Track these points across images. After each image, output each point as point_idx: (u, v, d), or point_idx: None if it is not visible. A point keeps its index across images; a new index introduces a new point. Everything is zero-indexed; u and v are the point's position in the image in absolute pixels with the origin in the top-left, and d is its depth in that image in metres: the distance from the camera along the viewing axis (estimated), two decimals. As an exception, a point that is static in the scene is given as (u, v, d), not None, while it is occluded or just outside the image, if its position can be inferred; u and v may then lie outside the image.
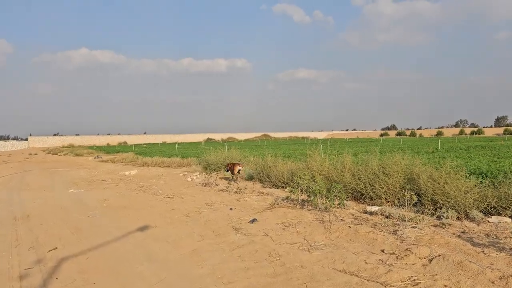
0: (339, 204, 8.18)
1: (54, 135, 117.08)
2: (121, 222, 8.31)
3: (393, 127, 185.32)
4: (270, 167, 14.01)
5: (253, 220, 7.80)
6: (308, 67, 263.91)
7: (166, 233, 7.24)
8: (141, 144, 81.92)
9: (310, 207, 8.68)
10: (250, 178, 15.07)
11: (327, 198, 8.22)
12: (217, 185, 13.38)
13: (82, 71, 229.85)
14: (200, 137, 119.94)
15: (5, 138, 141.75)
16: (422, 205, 8.21)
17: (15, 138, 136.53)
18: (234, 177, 14.60)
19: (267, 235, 6.76)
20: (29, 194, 12.87)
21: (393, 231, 6.56)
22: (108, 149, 56.43)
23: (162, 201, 10.76)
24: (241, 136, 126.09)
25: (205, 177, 14.72)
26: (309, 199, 8.90)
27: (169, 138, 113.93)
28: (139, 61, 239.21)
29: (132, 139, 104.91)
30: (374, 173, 9.68)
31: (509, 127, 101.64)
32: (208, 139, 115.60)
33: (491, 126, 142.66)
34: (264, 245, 6.20)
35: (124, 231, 7.43)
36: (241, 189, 11.43)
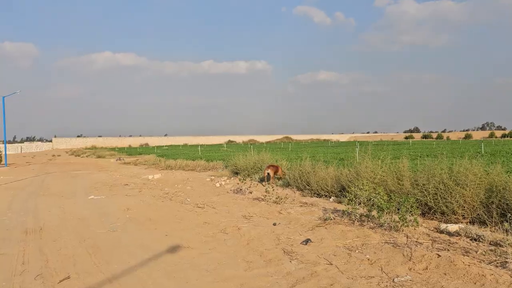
0: (413, 221, 6.66)
1: (78, 136, 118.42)
2: (146, 239, 7.01)
3: (416, 130, 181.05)
4: (309, 173, 12.57)
5: (307, 241, 6.38)
6: (329, 69, 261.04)
7: (203, 256, 5.89)
8: (163, 146, 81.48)
9: (372, 224, 7.20)
10: (286, 184, 13.65)
11: (398, 213, 6.73)
12: (251, 192, 12.01)
13: (105, 73, 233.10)
14: (221, 139, 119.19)
15: (31, 140, 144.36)
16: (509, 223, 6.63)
17: (40, 140, 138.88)
18: (270, 182, 13.23)
19: (331, 263, 5.32)
20: (46, 201, 11.77)
21: (500, 262, 5.03)
22: (130, 151, 55.95)
23: (191, 212, 9.45)
24: (262, 139, 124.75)
25: (237, 183, 13.38)
26: (369, 214, 7.42)
27: (190, 140, 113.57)
28: (161, 63, 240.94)
29: (153, 141, 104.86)
30: (443, 182, 8.13)
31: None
32: (229, 141, 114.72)
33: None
34: (331, 279, 4.77)
35: (151, 253, 6.11)
36: (281, 198, 10.01)
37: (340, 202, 10.16)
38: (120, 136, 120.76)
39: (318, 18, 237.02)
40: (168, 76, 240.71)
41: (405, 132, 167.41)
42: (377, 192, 7.43)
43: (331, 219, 7.64)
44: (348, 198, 7.59)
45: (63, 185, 16.74)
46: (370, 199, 7.47)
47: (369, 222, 7.31)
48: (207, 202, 10.73)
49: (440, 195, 7.80)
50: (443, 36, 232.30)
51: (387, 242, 6.10)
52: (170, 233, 7.44)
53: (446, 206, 7.70)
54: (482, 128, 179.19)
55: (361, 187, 7.69)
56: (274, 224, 7.77)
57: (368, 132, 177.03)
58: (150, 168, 26.42)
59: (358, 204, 7.74)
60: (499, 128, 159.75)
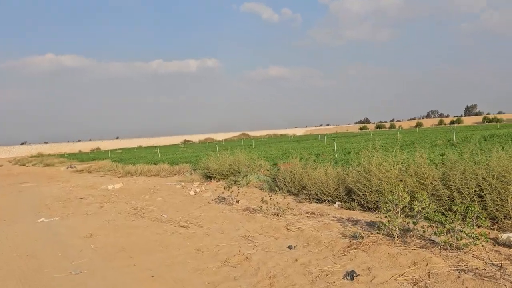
0: (482, 237, 5.15)
1: (22, 144, 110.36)
2: (125, 286, 5.07)
3: (366, 120, 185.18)
4: (301, 174, 10.96)
5: (351, 274, 4.71)
6: (279, 65, 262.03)
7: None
8: (116, 150, 77.28)
9: (420, 242, 5.66)
10: (272, 188, 11.97)
11: (462, 224, 5.20)
12: (237, 201, 10.20)
13: (49, 76, 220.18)
14: (176, 139, 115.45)
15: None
16: None
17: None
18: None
19: (410, 314, 3.70)
20: (-17, 229, 9.36)
21: None
22: (81, 157, 52.09)
23: (175, 234, 7.53)
24: (219, 136, 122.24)
25: (215, 189, 11.52)
26: (411, 227, 5.88)
27: (144, 142, 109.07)
28: (108, 64, 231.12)
29: (105, 145, 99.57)
30: (484, 179, 6.76)
31: (488, 115, 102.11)
32: (185, 140, 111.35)
33: (461, 115, 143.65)
34: None
35: (139, 313, 4.22)
36: (283, 209, 8.28)
37: (349, 209, 8.62)
38: (68, 141, 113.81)
39: (266, 14, 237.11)
40: (116, 77, 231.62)
41: (356, 123, 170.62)
42: (421, 199, 5.87)
43: (362, 237, 6.03)
44: (385, 208, 5.97)
45: (4, 203, 14.10)
46: (411, 208, 5.90)
47: (413, 239, 5.77)
48: (189, 219, 8.82)
49: (489, 197, 6.40)
50: (385, 31, 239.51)
51: (461, 270, 4.56)
52: (155, 271, 5.53)
53: (496, 210, 6.33)
54: (428, 116, 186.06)
55: (400, 193, 6.07)
56: (290, 248, 6.06)
57: (321, 125, 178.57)
58: (107, 175, 23.85)
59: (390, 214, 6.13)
60: (442, 115, 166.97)
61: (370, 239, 5.86)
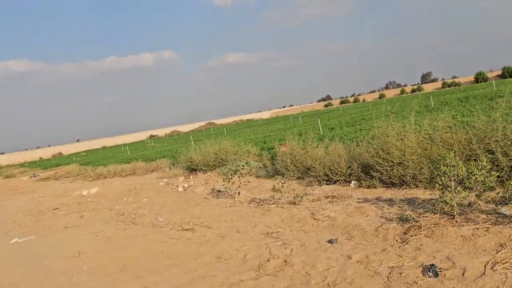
0: None
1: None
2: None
3: (328, 97, 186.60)
4: (302, 154, 9.97)
5: (433, 269, 3.76)
6: (237, 51, 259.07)
7: None
8: (80, 153, 73.87)
9: (487, 216, 4.78)
10: (270, 174, 10.94)
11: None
12: (238, 193, 9.10)
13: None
14: (142, 135, 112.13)
15: None
16: None
17: None
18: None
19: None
20: None
21: None
22: (43, 164, 49.10)
23: (182, 241, 6.37)
24: (185, 128, 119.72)
25: (205, 182, 10.37)
26: (472, 201, 4.98)
27: (107, 142, 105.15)
28: (58, 66, 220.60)
29: (67, 149, 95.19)
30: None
31: (446, 81, 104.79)
32: (151, 136, 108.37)
33: (418, 83, 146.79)
34: None
35: None
36: (300, 196, 7.22)
37: (369, 187, 7.71)
38: (26, 149, 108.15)
39: (218, 0, 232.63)
40: (69, 78, 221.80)
41: (319, 101, 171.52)
42: (480, 166, 4.96)
43: (414, 220, 5.10)
44: (441, 182, 5.01)
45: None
46: (470, 177, 4.98)
47: (477, 214, 4.89)
48: (191, 219, 7.66)
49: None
50: (340, 6, 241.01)
51: None
52: (177, 293, 4.40)
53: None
54: (387, 87, 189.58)
55: (453, 164, 5.11)
56: (331, 242, 5.06)
57: (284, 107, 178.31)
58: (77, 180, 22.07)
59: (445, 188, 5.19)
60: (399, 85, 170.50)
61: (427, 220, 4.93)
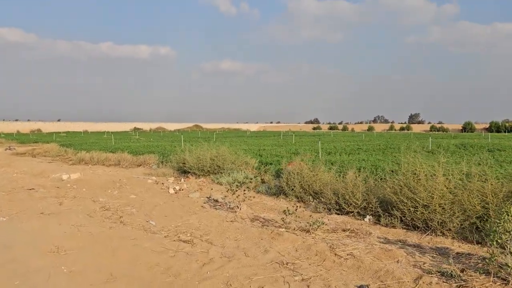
0: None
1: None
2: None
3: (316, 121, 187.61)
4: (311, 177, 9.28)
5: None
6: (233, 58, 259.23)
7: None
8: (60, 133, 71.74)
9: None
10: (271, 192, 10.18)
11: None
12: (239, 207, 8.31)
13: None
14: (125, 126, 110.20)
15: None
16: None
17: None
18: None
19: None
20: None
21: None
22: (21, 138, 47.25)
23: (180, 255, 5.54)
24: (171, 126, 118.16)
25: (199, 188, 9.56)
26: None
27: (89, 127, 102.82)
28: (53, 42, 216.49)
29: (46, 127, 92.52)
30: None
31: (434, 125, 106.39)
32: (135, 128, 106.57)
33: (405, 122, 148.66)
34: None
35: None
36: (316, 224, 6.46)
37: (387, 226, 7.03)
38: (4, 120, 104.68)
39: (224, 7, 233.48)
40: (61, 56, 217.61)
41: (306, 123, 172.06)
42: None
43: (459, 277, 4.41)
44: (498, 239, 4.34)
45: None
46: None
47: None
48: (188, 229, 6.84)
49: None
50: (338, 34, 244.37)
51: None
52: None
53: None
54: (374, 121, 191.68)
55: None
56: (363, 288, 4.33)
57: (271, 122, 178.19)
58: (56, 161, 20.88)
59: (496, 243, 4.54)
60: (387, 121, 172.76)
61: (480, 283, 4.25)
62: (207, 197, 9.73)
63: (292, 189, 9.40)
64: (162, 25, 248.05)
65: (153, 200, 9.49)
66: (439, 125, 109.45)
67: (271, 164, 13.71)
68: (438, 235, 6.42)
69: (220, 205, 8.75)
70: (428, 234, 6.50)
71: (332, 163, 13.54)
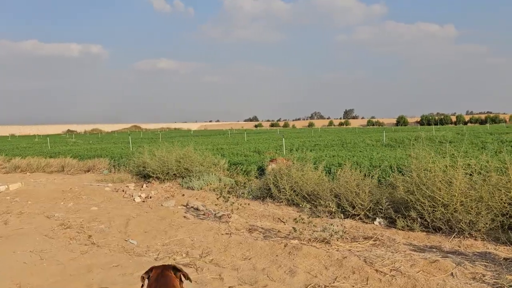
0: None
1: None
2: None
3: (255, 118, 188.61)
4: (299, 177, 8.42)
5: None
6: (169, 57, 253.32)
7: None
8: (-18, 138, 65.14)
9: None
10: (254, 195, 9.18)
11: None
12: (229, 216, 7.23)
13: None
14: (56, 129, 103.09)
15: None
16: None
17: None
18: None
19: None
20: None
21: None
22: None
23: (188, 285, 4.39)
24: (107, 128, 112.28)
25: (171, 195, 8.36)
26: None
27: (15, 130, 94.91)
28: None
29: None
30: None
31: (371, 119, 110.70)
32: (69, 131, 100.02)
33: (340, 118, 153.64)
34: None
35: None
36: (336, 232, 5.55)
37: (409, 229, 6.33)
38: None
39: (158, 5, 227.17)
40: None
41: (245, 120, 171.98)
42: None
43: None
44: None
45: None
46: None
47: None
48: (180, 248, 5.65)
49: None
50: (274, 34, 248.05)
51: None
52: None
53: None
54: (311, 117, 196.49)
55: None
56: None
57: (210, 121, 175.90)
58: (-15, 169, 18.28)
59: None
60: (322, 117, 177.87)
61: None
62: (185, 206, 8.53)
63: (280, 191, 8.47)
64: (94, 22, 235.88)
65: (121, 212, 8.11)
66: (375, 119, 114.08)
67: (241, 164, 12.66)
68: (466, 237, 5.81)
69: (204, 215, 7.61)
70: (454, 237, 5.86)
71: (305, 161, 12.78)
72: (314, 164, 9.71)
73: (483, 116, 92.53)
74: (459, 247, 5.51)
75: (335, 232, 5.46)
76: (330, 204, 7.24)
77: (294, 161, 9.20)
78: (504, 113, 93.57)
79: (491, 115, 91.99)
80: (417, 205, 6.30)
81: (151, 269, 3.00)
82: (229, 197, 7.12)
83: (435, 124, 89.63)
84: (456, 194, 6.06)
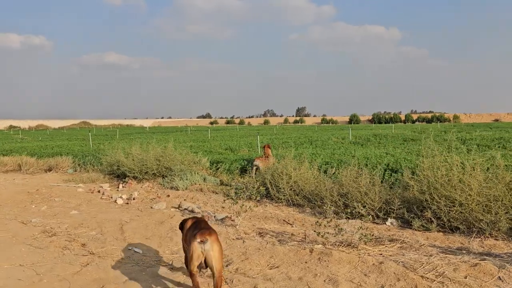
0: None
1: None
2: None
3: (208, 116, 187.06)
4: (297, 176, 8.10)
5: None
6: (118, 51, 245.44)
7: None
8: None
9: None
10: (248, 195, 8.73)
11: None
12: (233, 220, 6.76)
13: None
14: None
15: None
16: None
17: None
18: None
19: None
20: None
21: None
22: None
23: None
24: (54, 124, 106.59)
25: (157, 196, 7.79)
26: None
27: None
28: None
29: None
30: None
31: (324, 117, 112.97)
32: (11, 126, 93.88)
33: (293, 116, 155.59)
34: None
35: None
36: (365, 236, 5.24)
37: (425, 229, 6.16)
38: None
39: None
40: None
41: (198, 117, 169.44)
42: None
43: None
44: None
45: None
46: None
47: None
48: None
49: None
50: (227, 30, 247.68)
51: None
52: None
53: None
54: (264, 114, 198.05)
55: None
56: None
57: (162, 117, 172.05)
58: None
59: None
60: (274, 115, 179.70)
61: None
62: (177, 208, 7.93)
63: (279, 191, 8.10)
64: (36, 12, 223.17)
65: (109, 216, 7.38)
66: (329, 117, 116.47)
67: (222, 162, 12.13)
68: (487, 237, 5.72)
69: (215, 220, 7.08)
70: (474, 237, 5.76)
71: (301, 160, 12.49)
72: (310, 163, 9.46)
73: (429, 115, 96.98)
74: (483, 247, 5.41)
75: (364, 236, 5.15)
76: (336, 204, 6.99)
77: (279, 160, 8.88)
78: (445, 113, 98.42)
79: (437, 114, 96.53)
80: (433, 204, 6.16)
81: (185, 221, 4.42)
82: (238, 199, 6.63)
83: (386, 122, 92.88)
84: (473, 194, 5.98)
